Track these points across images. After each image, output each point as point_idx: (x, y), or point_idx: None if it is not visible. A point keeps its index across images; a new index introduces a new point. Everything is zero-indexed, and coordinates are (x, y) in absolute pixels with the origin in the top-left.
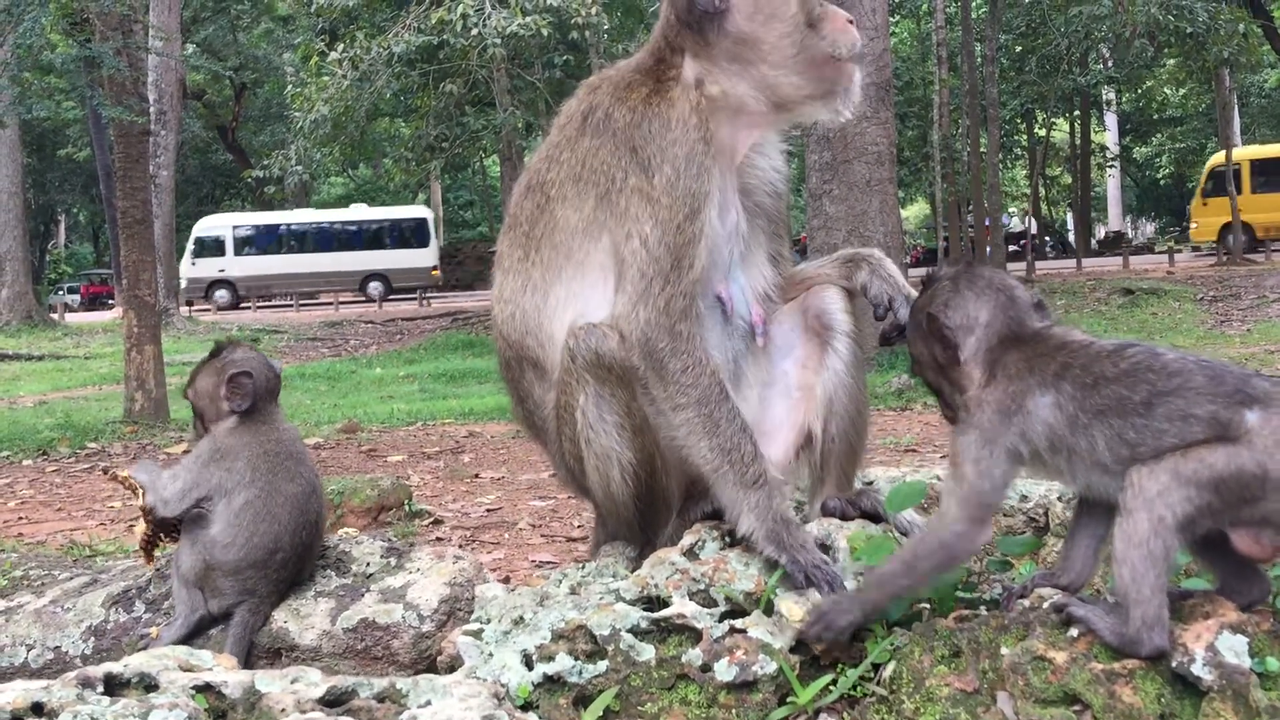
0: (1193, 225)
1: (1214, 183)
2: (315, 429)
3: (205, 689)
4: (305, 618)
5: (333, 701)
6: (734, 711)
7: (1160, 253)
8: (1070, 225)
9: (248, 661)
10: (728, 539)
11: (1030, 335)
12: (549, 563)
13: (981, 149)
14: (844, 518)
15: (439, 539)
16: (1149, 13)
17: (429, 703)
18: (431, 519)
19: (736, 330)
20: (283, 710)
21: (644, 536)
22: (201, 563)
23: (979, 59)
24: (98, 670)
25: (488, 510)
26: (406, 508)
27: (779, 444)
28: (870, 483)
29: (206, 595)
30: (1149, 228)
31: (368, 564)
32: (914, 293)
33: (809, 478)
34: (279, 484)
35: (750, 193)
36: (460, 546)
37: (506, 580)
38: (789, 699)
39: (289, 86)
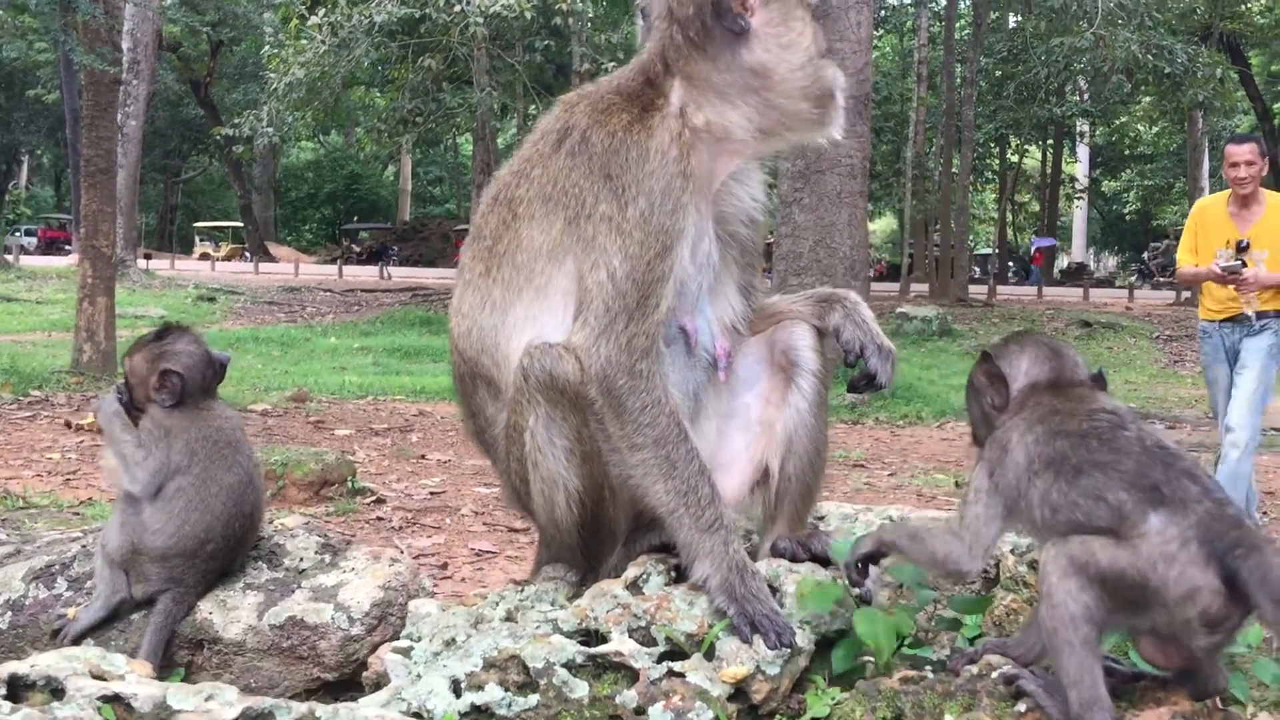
0: None
1: None
2: (264, 395)
3: (114, 700)
4: (231, 610)
5: None
6: None
7: (1120, 287)
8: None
9: (168, 651)
10: (673, 574)
11: (1065, 386)
12: (489, 551)
13: (953, 169)
14: (794, 559)
15: (379, 519)
16: (1129, 50)
17: None
18: (374, 498)
19: (699, 362)
20: None
21: (587, 564)
22: (129, 545)
23: (959, 80)
24: (1, 670)
25: (431, 493)
26: (349, 484)
27: (735, 478)
28: (822, 518)
29: (131, 579)
30: (1111, 261)
31: (301, 559)
32: (887, 342)
33: (762, 514)
34: (215, 472)
35: (725, 221)
36: (400, 529)
37: (444, 566)
38: None
39: (266, 47)
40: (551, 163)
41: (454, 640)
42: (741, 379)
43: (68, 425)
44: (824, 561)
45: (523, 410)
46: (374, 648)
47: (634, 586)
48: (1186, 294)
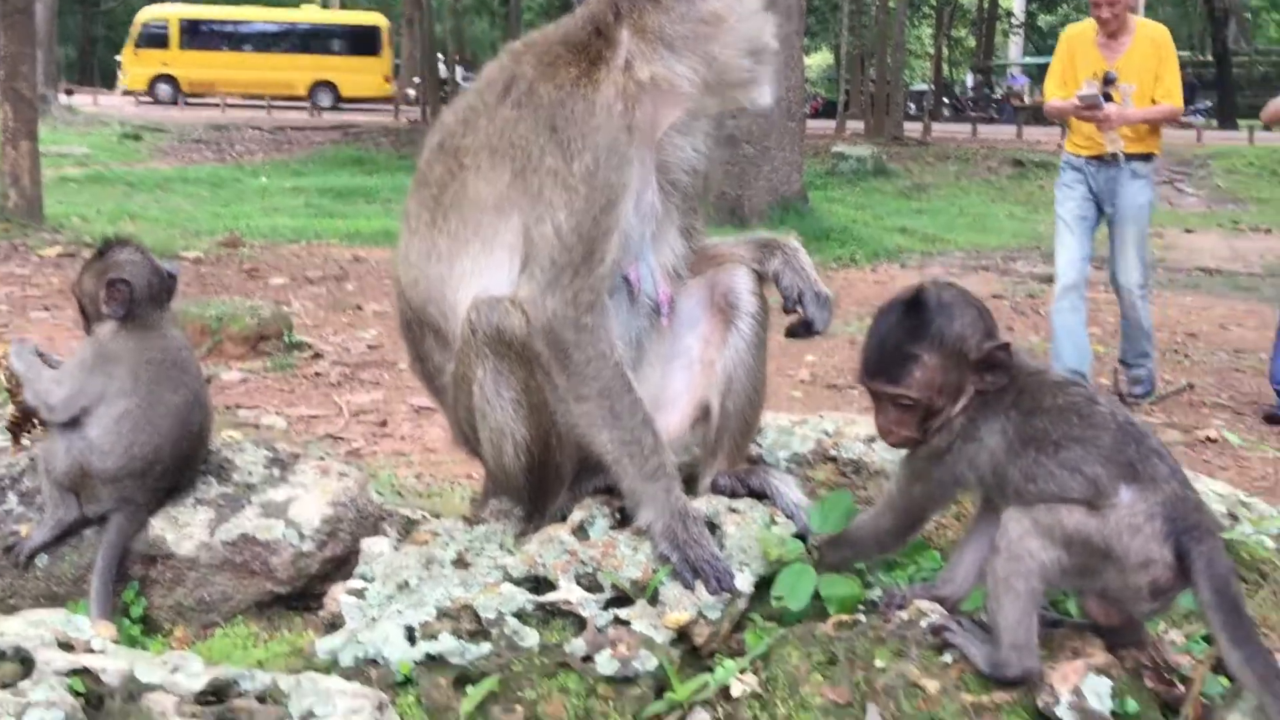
0: (123, 75)
1: (145, 35)
2: (195, 239)
3: (83, 672)
4: (183, 527)
5: (214, 695)
6: (611, 704)
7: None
8: (970, 88)
9: (122, 566)
10: (617, 516)
11: None
12: (427, 408)
13: (890, 4)
14: (733, 495)
15: (317, 374)
16: None
17: (311, 712)
18: (311, 352)
19: (642, 309)
20: (162, 713)
21: (533, 504)
22: (77, 467)
23: None
24: None
25: (369, 346)
26: (286, 339)
27: (676, 415)
28: (760, 430)
29: (81, 499)
30: None
31: (250, 473)
32: (825, 288)
33: (702, 449)
34: (162, 394)
35: (668, 170)
36: (339, 384)
37: (384, 424)
38: (667, 693)
39: None
40: (498, 114)
41: (407, 584)
42: (683, 321)
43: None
44: (760, 496)
45: (470, 363)
46: (325, 563)
47: (580, 531)
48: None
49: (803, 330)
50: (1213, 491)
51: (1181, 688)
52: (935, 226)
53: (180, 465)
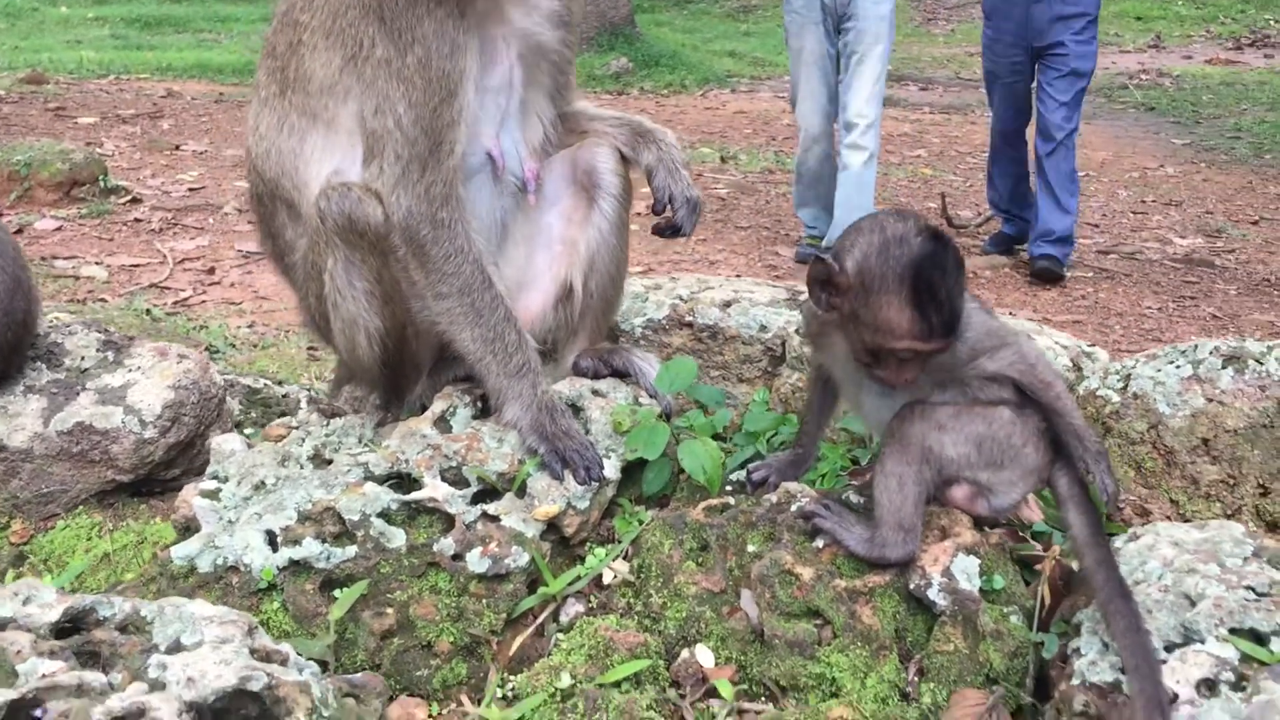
0: None
1: None
2: None
3: None
4: (14, 417)
5: (71, 626)
6: (484, 601)
7: None
8: None
9: None
10: (479, 405)
11: None
12: (256, 253)
13: None
14: (596, 376)
15: (138, 220)
16: None
17: (179, 642)
18: (129, 197)
19: (506, 188)
20: (18, 652)
21: (390, 395)
22: None
23: None
24: None
25: (190, 189)
26: (101, 183)
27: (539, 294)
28: None
29: None
30: None
31: (82, 358)
32: (696, 192)
33: (564, 329)
34: None
35: (527, 36)
36: (160, 231)
37: (211, 271)
38: (540, 586)
39: None
40: None
41: (263, 484)
42: (545, 198)
43: None
44: (623, 375)
45: (320, 251)
46: (169, 449)
47: (442, 422)
48: None
49: (669, 232)
50: (1057, 344)
51: (1038, 547)
52: (763, 50)
53: (5, 354)
